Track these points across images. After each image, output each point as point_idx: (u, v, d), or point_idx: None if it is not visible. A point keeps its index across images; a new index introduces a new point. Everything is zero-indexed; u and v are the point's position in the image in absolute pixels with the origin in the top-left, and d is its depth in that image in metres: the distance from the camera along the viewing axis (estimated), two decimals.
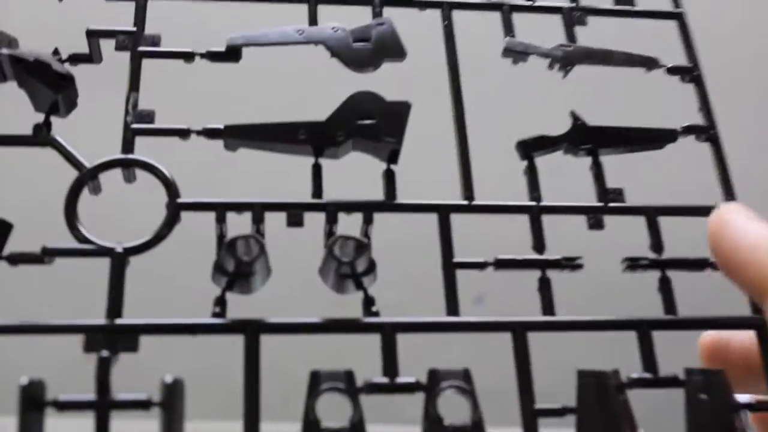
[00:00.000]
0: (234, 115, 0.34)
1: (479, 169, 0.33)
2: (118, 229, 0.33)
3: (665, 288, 0.31)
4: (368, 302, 0.30)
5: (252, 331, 0.28)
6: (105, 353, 0.27)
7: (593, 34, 0.37)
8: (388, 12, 0.35)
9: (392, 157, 0.32)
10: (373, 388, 0.28)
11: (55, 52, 0.33)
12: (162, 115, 0.32)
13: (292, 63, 0.34)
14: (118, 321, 0.28)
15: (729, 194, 0.33)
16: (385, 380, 0.28)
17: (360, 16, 0.35)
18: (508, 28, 0.36)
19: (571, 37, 0.36)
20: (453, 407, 0.29)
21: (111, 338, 0.27)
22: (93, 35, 0.34)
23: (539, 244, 0.32)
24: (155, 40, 0.34)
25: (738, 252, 0.26)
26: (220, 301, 0.29)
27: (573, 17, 0.37)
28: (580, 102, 0.36)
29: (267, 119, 0.32)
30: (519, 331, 0.29)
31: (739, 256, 0.25)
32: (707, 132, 0.34)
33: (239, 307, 0.30)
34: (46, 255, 0.29)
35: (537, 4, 0.37)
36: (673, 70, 0.36)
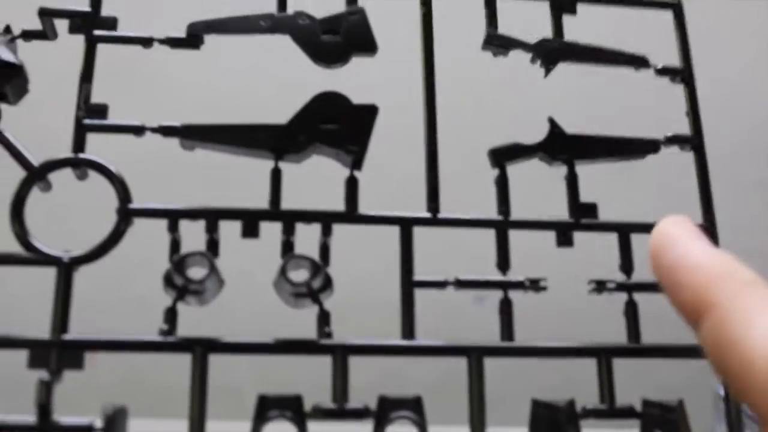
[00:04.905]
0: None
1: (448, 178, 0.31)
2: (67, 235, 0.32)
3: (631, 313, 0.30)
4: (323, 321, 0.29)
5: (200, 350, 0.28)
6: (46, 377, 0.26)
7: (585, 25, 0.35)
8: None
9: (355, 164, 0.30)
10: (321, 414, 0.27)
11: (7, 29, 0.32)
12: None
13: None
14: (65, 336, 0.27)
15: (707, 209, 0.32)
16: (333, 406, 0.28)
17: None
18: (492, 18, 0.33)
19: (558, 27, 0.34)
20: None
21: (57, 354, 0.27)
22: (46, 14, 0.31)
23: (503, 262, 0.30)
24: (111, 23, 0.31)
25: (677, 272, 0.23)
26: (170, 316, 0.28)
27: (562, 4, 0.34)
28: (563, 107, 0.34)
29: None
30: (474, 355, 0.29)
31: (677, 276, 0.23)
32: (692, 142, 0.33)
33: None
34: None
35: None
36: (662, 71, 0.33)
